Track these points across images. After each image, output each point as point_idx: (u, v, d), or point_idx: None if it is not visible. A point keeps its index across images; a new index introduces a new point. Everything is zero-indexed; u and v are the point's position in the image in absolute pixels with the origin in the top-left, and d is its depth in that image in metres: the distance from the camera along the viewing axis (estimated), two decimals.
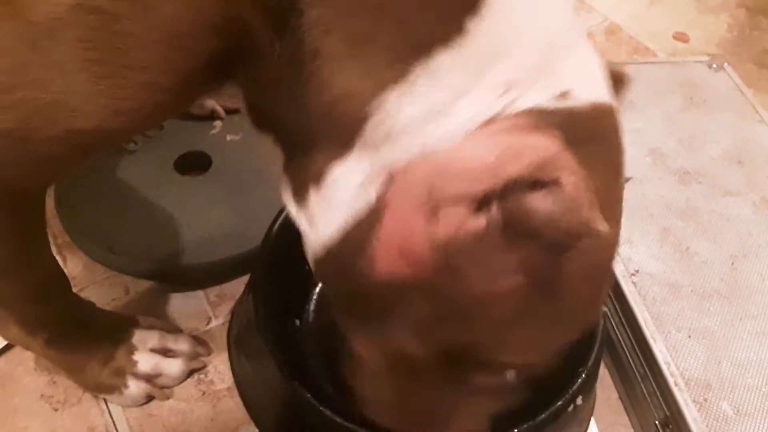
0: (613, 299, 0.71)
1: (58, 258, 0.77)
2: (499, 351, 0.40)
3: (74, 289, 0.74)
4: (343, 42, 0.34)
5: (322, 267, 0.42)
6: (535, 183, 0.31)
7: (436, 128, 0.35)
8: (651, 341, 0.67)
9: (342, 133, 0.36)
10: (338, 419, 0.55)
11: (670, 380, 0.64)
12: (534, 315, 0.37)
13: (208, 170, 0.85)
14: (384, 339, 0.43)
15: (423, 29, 0.34)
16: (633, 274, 0.72)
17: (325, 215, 0.39)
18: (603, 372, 0.71)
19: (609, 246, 0.39)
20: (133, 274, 0.76)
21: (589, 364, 0.59)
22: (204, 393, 0.68)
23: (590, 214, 0.30)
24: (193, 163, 0.85)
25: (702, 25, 1.20)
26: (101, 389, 0.66)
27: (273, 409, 0.65)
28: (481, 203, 0.33)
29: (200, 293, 0.76)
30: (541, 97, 0.35)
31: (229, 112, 0.89)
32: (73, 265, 0.77)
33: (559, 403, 0.56)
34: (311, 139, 0.38)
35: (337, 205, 0.38)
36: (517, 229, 0.33)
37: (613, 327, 0.71)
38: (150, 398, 0.67)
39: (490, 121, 0.35)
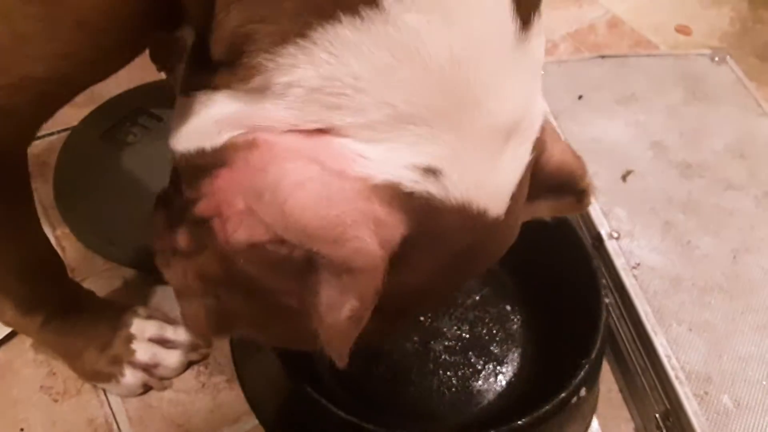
0: (614, 292, 0.71)
1: (56, 249, 0.77)
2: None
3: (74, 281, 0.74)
4: None
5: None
6: (336, 271, 0.31)
7: (312, 111, 0.31)
8: (652, 334, 0.66)
9: (233, 67, 0.33)
10: (341, 413, 0.55)
11: (671, 373, 0.64)
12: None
13: None
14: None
15: None
16: (634, 267, 0.72)
17: (181, 124, 0.36)
18: (603, 365, 0.71)
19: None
20: (132, 266, 0.76)
21: (592, 355, 0.59)
22: (204, 385, 0.68)
23: (337, 346, 0.31)
24: None
25: (704, 18, 1.19)
26: (98, 377, 0.66)
27: (274, 401, 0.65)
28: (286, 242, 0.31)
29: None
30: (412, 158, 0.32)
31: None
32: (72, 257, 0.77)
33: (563, 394, 0.56)
34: (214, 56, 0.34)
35: (194, 123, 0.35)
36: (299, 287, 0.32)
37: (613, 320, 0.71)
38: (147, 388, 0.67)
39: (352, 162, 0.31)
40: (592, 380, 0.60)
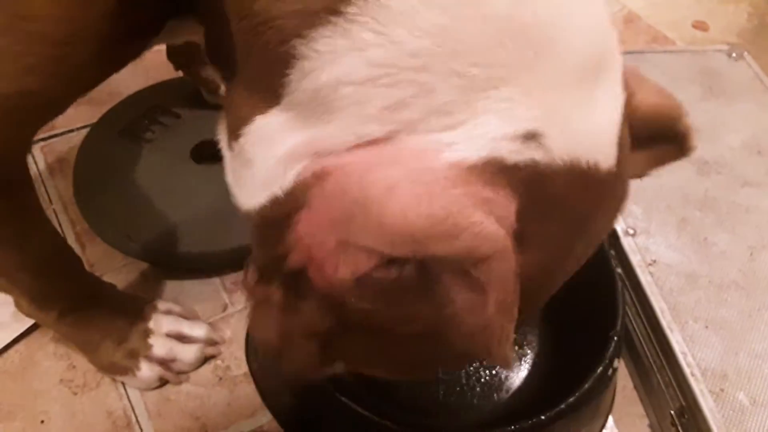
0: (630, 289, 0.71)
1: (76, 245, 0.78)
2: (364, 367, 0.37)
3: None
4: None
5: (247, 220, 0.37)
6: (461, 269, 0.26)
7: (374, 113, 0.27)
8: (668, 331, 0.66)
9: (263, 73, 0.29)
10: (356, 406, 0.55)
11: (687, 370, 0.64)
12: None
13: (223, 159, 0.85)
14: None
15: None
16: (650, 264, 0.71)
17: (243, 178, 0.33)
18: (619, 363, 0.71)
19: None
20: (150, 262, 0.77)
21: (618, 327, 0.60)
22: (221, 378, 0.69)
23: (498, 350, 0.27)
24: (209, 153, 0.85)
25: (721, 14, 1.18)
26: (114, 370, 0.66)
27: (288, 396, 0.65)
28: (394, 261, 0.27)
29: (216, 280, 0.77)
30: (508, 128, 0.27)
31: None
32: (92, 252, 0.78)
33: (599, 368, 0.57)
34: (239, 76, 0.31)
35: (254, 173, 0.31)
36: (423, 304, 0.28)
37: (629, 317, 0.71)
38: (164, 382, 0.68)
39: (439, 148, 0.27)
40: (620, 352, 0.61)
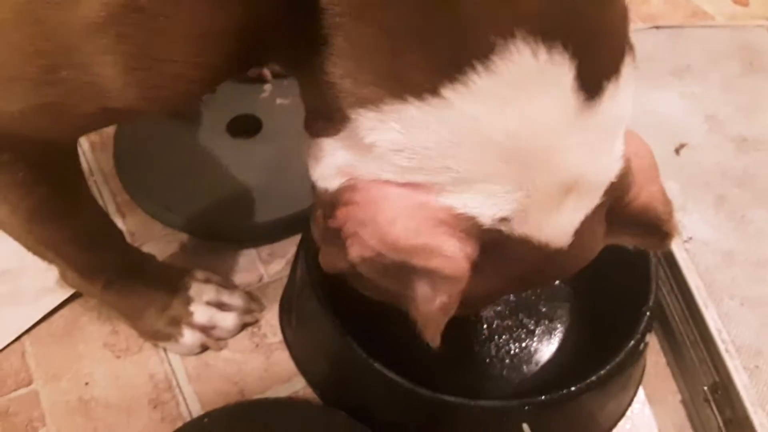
0: (665, 266, 0.71)
1: (117, 215, 0.81)
2: None
3: (134, 245, 0.77)
4: (349, 42, 0.36)
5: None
6: (427, 276, 0.39)
7: (395, 168, 0.38)
8: (703, 308, 0.66)
9: (330, 116, 0.40)
10: (390, 374, 0.56)
11: (721, 347, 0.64)
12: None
13: (258, 133, 0.86)
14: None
15: (409, 71, 0.35)
16: (686, 242, 0.71)
17: (315, 164, 0.44)
18: (651, 338, 0.71)
19: None
20: (189, 232, 0.79)
21: (650, 302, 0.61)
22: (258, 345, 0.70)
23: (429, 332, 0.40)
24: (244, 126, 0.87)
25: None
26: (158, 336, 0.69)
27: (321, 363, 0.67)
28: (384, 258, 0.40)
29: (253, 251, 0.78)
30: (483, 209, 0.38)
31: (277, 76, 0.91)
32: (132, 222, 0.80)
33: (631, 342, 0.58)
34: (314, 105, 0.42)
35: (321, 168, 0.43)
36: (400, 287, 0.42)
37: (663, 294, 0.71)
38: (205, 348, 0.70)
39: (435, 202, 0.38)
40: (651, 328, 0.61)
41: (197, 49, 0.37)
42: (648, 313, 0.60)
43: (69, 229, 0.56)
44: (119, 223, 0.80)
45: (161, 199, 0.79)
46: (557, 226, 0.41)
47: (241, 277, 0.76)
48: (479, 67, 0.34)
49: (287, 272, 0.76)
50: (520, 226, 0.39)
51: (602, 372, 0.57)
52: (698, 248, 0.71)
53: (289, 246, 0.79)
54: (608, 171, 0.41)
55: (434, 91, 0.35)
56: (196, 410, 0.66)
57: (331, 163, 0.42)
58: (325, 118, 0.40)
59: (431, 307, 0.40)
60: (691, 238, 0.71)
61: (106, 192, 0.83)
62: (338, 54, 0.36)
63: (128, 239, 0.77)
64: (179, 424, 0.63)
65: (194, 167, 0.82)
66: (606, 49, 0.37)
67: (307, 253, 0.65)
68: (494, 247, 0.40)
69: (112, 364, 0.69)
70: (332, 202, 0.42)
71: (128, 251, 0.67)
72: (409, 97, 0.35)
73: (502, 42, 0.33)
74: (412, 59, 0.34)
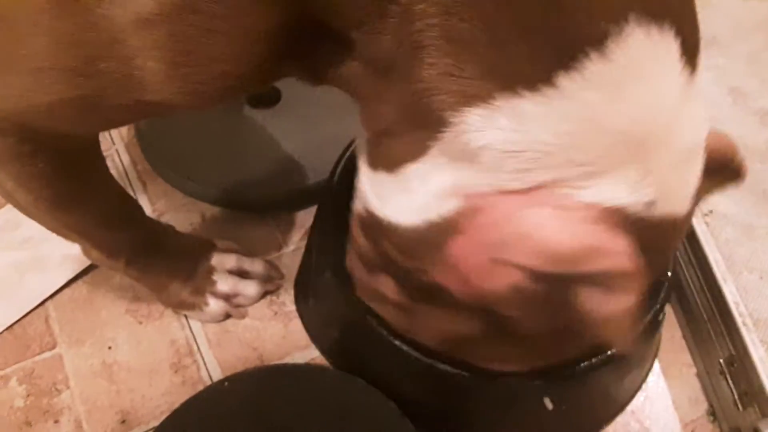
0: (684, 239, 0.70)
1: (138, 183, 0.81)
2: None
3: (154, 214, 0.78)
4: (443, 39, 0.33)
5: (374, 230, 0.46)
6: (601, 285, 0.35)
7: (514, 173, 0.36)
8: (721, 282, 0.66)
9: (422, 129, 0.37)
10: (401, 343, 0.57)
11: (738, 320, 0.63)
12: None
13: (277, 104, 0.86)
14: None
15: (517, 63, 0.33)
16: (706, 215, 0.70)
17: (397, 200, 0.41)
18: (667, 310, 0.71)
19: None
20: (209, 201, 0.80)
21: (669, 273, 0.60)
22: (276, 313, 0.72)
23: (627, 342, 0.37)
24: (264, 97, 0.87)
25: None
26: (183, 306, 0.70)
27: (334, 335, 0.68)
28: (542, 276, 0.36)
29: (271, 221, 0.79)
30: (629, 197, 0.36)
31: None
32: (153, 192, 0.81)
33: (650, 314, 0.58)
34: (392, 123, 0.39)
35: (411, 200, 0.40)
36: (563, 310, 0.37)
37: (681, 267, 0.70)
38: (228, 316, 0.71)
39: (576, 200, 0.36)
40: (669, 299, 0.62)
41: (249, 48, 0.36)
42: (666, 284, 0.60)
43: (91, 213, 0.57)
44: (140, 193, 0.81)
45: (182, 168, 0.80)
46: (684, 196, 0.40)
47: (260, 247, 0.77)
48: (593, 54, 0.33)
49: (305, 242, 0.77)
50: (661, 208, 0.38)
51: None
52: (718, 221, 0.70)
53: (308, 216, 0.79)
54: (706, 132, 0.41)
55: (548, 81, 0.33)
56: (217, 375, 0.68)
57: (427, 190, 0.38)
58: (409, 135, 0.37)
59: (610, 309, 0.36)
60: (711, 212, 0.71)
61: (126, 161, 0.84)
62: (430, 54, 0.34)
63: (149, 208, 0.79)
64: (200, 387, 0.65)
65: (214, 137, 0.83)
66: (692, 20, 0.37)
67: (322, 230, 0.65)
68: (645, 233, 0.38)
69: (135, 329, 0.71)
70: (436, 238, 0.39)
71: (149, 227, 0.67)
72: (522, 90, 0.33)
73: (616, 27, 0.33)
74: (519, 51, 0.33)
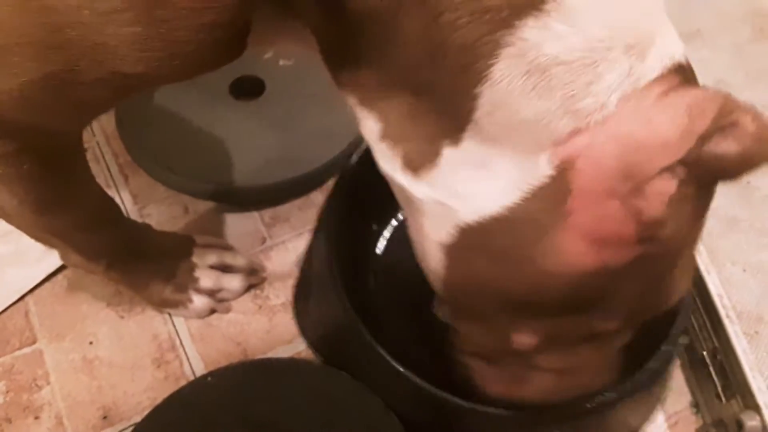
0: None
1: (119, 177, 0.80)
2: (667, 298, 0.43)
3: (136, 207, 0.77)
4: None
5: (456, 251, 0.40)
6: (720, 130, 0.32)
7: (582, 93, 0.32)
8: (704, 274, 0.66)
9: (460, 95, 0.34)
10: (396, 364, 0.55)
11: (722, 312, 0.64)
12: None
13: (261, 95, 0.85)
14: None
15: None
16: None
17: (477, 187, 0.37)
18: None
19: None
20: (191, 194, 0.79)
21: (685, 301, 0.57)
22: (260, 307, 0.71)
23: None
24: (247, 88, 0.86)
25: None
26: (167, 304, 0.69)
27: (330, 341, 0.67)
28: (679, 167, 0.33)
29: (255, 214, 0.78)
30: (670, 54, 0.35)
31: None
32: (134, 184, 0.80)
33: (670, 345, 0.56)
34: (421, 106, 0.36)
35: (494, 175, 0.36)
36: (709, 178, 0.35)
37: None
38: (213, 311, 0.70)
39: (642, 85, 0.34)
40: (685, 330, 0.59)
41: None
42: (681, 315, 0.56)
43: (74, 216, 0.56)
44: (122, 186, 0.80)
45: (164, 160, 0.79)
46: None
47: (244, 241, 0.76)
48: None
49: (290, 235, 0.76)
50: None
51: (635, 378, 0.54)
52: None
53: (292, 209, 0.79)
54: None
55: None
56: (200, 369, 0.67)
57: (510, 157, 0.34)
58: (436, 110, 0.35)
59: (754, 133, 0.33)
60: None
61: (108, 154, 0.82)
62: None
63: (131, 201, 0.78)
64: (183, 382, 0.64)
65: (197, 129, 0.82)
66: None
67: (327, 235, 0.62)
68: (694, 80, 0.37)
69: (116, 324, 0.70)
70: (550, 203, 0.35)
71: (129, 228, 0.66)
72: None
73: None
74: None
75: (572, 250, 0.35)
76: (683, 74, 0.35)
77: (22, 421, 0.64)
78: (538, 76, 0.32)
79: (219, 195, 0.78)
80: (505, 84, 0.32)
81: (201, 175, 0.78)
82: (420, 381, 0.54)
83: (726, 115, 0.32)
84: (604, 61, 0.32)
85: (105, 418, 0.64)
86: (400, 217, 0.71)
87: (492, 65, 0.32)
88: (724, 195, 0.70)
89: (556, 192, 0.34)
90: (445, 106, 0.35)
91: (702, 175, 0.34)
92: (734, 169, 0.34)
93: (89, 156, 0.56)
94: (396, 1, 0.32)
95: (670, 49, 0.35)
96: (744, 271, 0.67)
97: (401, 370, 0.55)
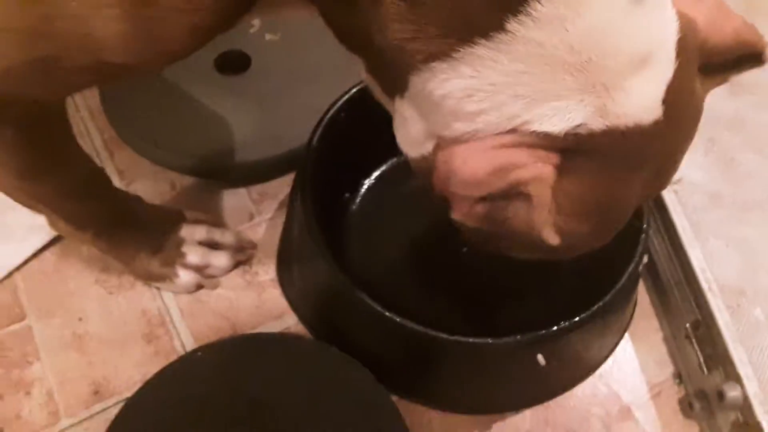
0: (653, 207, 0.71)
1: (104, 152, 0.80)
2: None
3: (122, 183, 0.77)
4: (404, 2, 0.36)
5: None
6: (516, 193, 0.40)
7: (468, 115, 0.39)
8: (688, 248, 0.67)
9: (398, 76, 0.40)
10: (382, 309, 0.58)
11: (704, 286, 0.65)
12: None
13: (247, 70, 0.84)
14: None
15: (472, 16, 0.36)
16: (675, 183, 0.71)
17: (404, 129, 0.45)
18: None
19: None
20: (178, 170, 0.78)
21: (644, 224, 0.63)
22: (249, 283, 0.71)
23: (544, 230, 0.41)
24: (233, 63, 0.85)
25: None
26: (153, 278, 0.69)
27: (314, 305, 0.68)
28: (481, 199, 0.42)
29: (243, 191, 0.78)
30: (557, 124, 0.39)
31: None
32: (120, 160, 0.79)
33: (631, 266, 0.60)
34: (384, 64, 0.42)
35: (409, 130, 0.44)
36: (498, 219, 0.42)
37: (650, 234, 0.71)
38: (200, 287, 0.70)
39: (507, 131, 0.39)
40: (646, 251, 0.63)
41: None
42: (644, 236, 0.62)
43: (59, 183, 0.56)
44: (107, 161, 0.79)
45: (149, 136, 0.78)
46: (638, 104, 0.40)
47: (232, 217, 0.76)
48: None
49: (278, 212, 0.76)
50: (602, 122, 0.39)
51: (607, 298, 0.59)
52: (686, 190, 0.71)
53: (280, 186, 0.79)
54: (668, 33, 0.41)
55: (501, 28, 0.36)
56: (190, 345, 0.67)
57: (414, 132, 0.43)
58: (393, 74, 0.41)
59: (532, 214, 0.40)
60: (680, 180, 0.72)
61: (93, 129, 0.82)
62: (395, 20, 0.37)
63: (116, 178, 0.77)
64: (173, 357, 0.64)
65: (182, 104, 0.81)
66: None
67: (303, 199, 0.64)
68: (579, 147, 0.40)
69: (105, 300, 0.70)
70: (427, 169, 0.44)
71: (117, 198, 0.66)
72: (479, 39, 0.36)
73: None
74: (474, 3, 0.36)
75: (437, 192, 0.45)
76: (535, 139, 0.39)
77: (13, 397, 0.64)
78: (437, 99, 0.40)
79: (205, 171, 0.78)
80: (420, 89, 0.40)
81: (186, 151, 0.77)
82: (405, 320, 0.57)
83: (524, 186, 0.39)
84: (490, 96, 0.38)
85: (96, 393, 0.65)
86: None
87: (415, 73, 0.39)
88: (706, 170, 0.73)
89: (428, 164, 0.44)
90: (391, 75, 0.42)
91: (496, 218, 0.42)
92: (512, 226, 0.42)
93: (74, 131, 0.55)
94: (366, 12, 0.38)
95: (555, 114, 0.39)
96: (726, 245, 0.68)
97: (387, 313, 0.58)
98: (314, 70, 0.83)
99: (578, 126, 0.39)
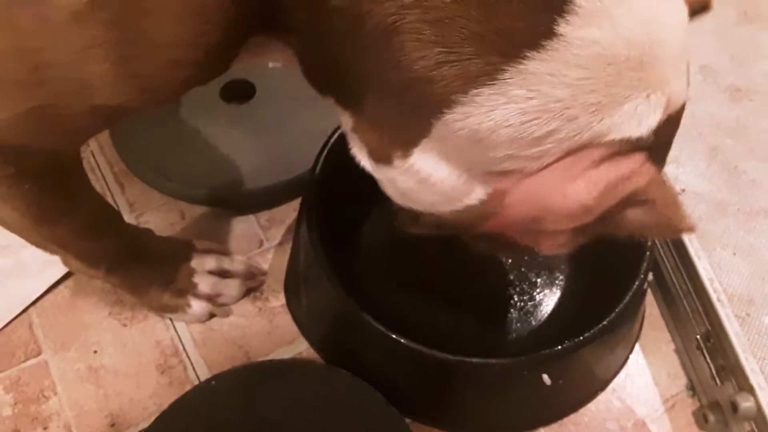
0: None
1: (115, 185, 0.81)
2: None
3: (133, 215, 0.78)
4: (425, 23, 0.32)
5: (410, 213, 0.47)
6: (632, 202, 0.38)
7: (527, 144, 0.35)
8: (695, 258, 0.67)
9: (417, 118, 0.36)
10: (386, 330, 0.58)
11: (713, 296, 0.65)
12: None
13: (252, 98, 0.86)
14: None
15: (512, 25, 0.32)
16: (679, 193, 0.71)
17: (422, 188, 0.42)
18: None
19: None
20: (187, 200, 0.79)
21: (649, 242, 0.63)
22: (260, 309, 0.72)
23: (681, 222, 0.39)
24: (238, 92, 0.86)
25: None
26: (166, 309, 0.70)
27: (323, 327, 0.69)
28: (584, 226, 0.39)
29: (251, 217, 0.79)
30: (635, 127, 0.37)
31: None
32: (131, 192, 0.80)
33: (636, 283, 0.60)
34: (384, 114, 0.39)
35: (434, 186, 0.41)
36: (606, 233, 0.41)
37: (657, 245, 0.72)
38: (212, 316, 0.71)
39: (583, 148, 0.36)
40: (651, 268, 0.63)
41: (195, 26, 0.34)
42: (648, 254, 0.62)
43: (75, 226, 0.56)
44: (118, 194, 0.80)
45: (158, 167, 0.80)
46: (683, 88, 0.40)
47: (241, 244, 0.77)
48: None
49: (287, 237, 0.77)
50: (665, 114, 0.38)
51: (612, 316, 0.59)
52: (691, 199, 0.71)
53: (288, 211, 0.79)
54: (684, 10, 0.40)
55: (551, 33, 0.32)
56: (204, 374, 0.68)
57: (450, 178, 0.40)
58: (400, 123, 0.38)
59: (657, 216, 0.38)
60: (684, 190, 0.72)
61: (102, 162, 0.83)
62: (414, 43, 0.32)
63: (127, 209, 0.79)
64: (187, 387, 0.65)
65: (189, 134, 0.82)
66: None
67: (308, 224, 0.65)
68: (658, 138, 0.38)
69: (119, 332, 0.71)
70: (478, 218, 0.41)
71: (129, 234, 0.67)
72: (528, 52, 0.32)
73: None
74: (509, 12, 0.32)
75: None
76: (621, 146, 0.37)
77: None
78: (483, 134, 0.36)
79: (214, 200, 0.79)
80: (458, 127, 0.36)
81: (195, 181, 0.79)
82: (410, 341, 0.57)
83: (641, 193, 0.37)
84: (557, 120, 0.35)
85: (113, 425, 0.65)
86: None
87: (448, 109, 0.35)
88: (710, 180, 0.73)
89: (482, 212, 0.41)
90: (400, 123, 0.39)
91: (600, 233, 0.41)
92: (632, 236, 0.40)
93: (84, 165, 0.57)
94: (361, 47, 0.35)
95: (633, 116, 0.37)
96: (734, 254, 0.68)
97: (392, 335, 0.58)
98: (317, 96, 0.84)
99: (658, 117, 0.37)
